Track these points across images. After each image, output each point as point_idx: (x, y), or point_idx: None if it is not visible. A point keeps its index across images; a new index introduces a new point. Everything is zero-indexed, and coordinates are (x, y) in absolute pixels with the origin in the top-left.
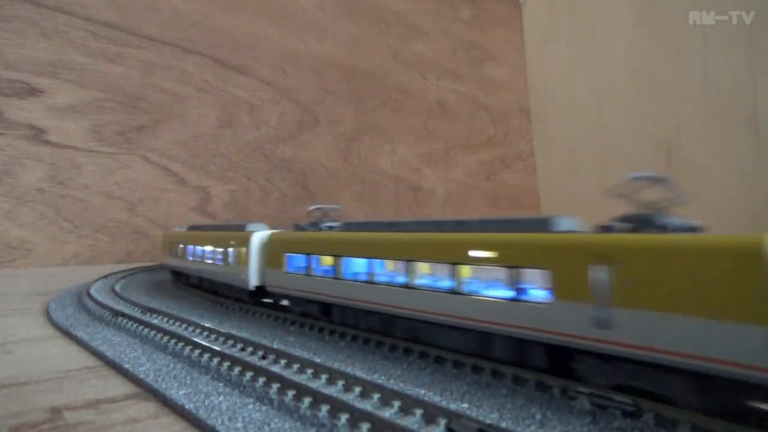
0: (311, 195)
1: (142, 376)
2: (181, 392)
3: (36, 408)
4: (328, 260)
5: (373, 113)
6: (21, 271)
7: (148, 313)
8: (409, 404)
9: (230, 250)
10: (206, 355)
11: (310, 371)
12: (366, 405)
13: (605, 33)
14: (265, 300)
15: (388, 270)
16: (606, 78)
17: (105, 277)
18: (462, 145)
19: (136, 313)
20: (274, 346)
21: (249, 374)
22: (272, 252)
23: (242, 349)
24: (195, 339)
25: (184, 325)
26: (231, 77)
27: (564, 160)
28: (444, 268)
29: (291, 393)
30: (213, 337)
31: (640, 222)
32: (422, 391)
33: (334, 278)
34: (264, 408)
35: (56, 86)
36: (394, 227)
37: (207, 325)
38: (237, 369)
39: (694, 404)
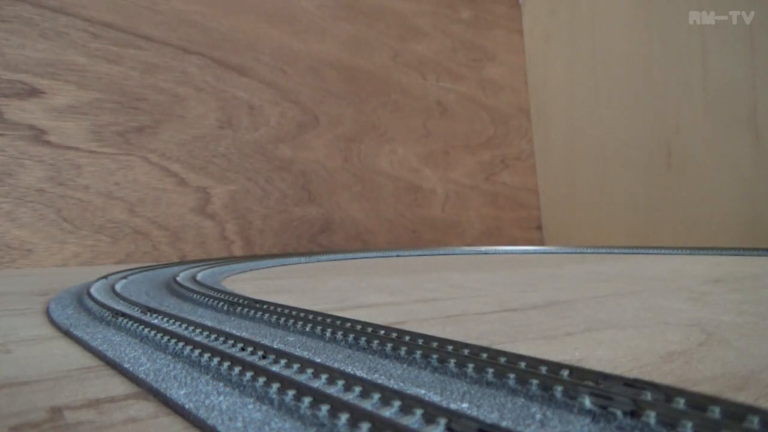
0: (311, 195)
1: (142, 375)
2: (181, 392)
3: (36, 408)
4: None
5: (373, 113)
6: (21, 272)
7: (148, 313)
8: (409, 404)
9: None
10: (206, 355)
11: (310, 371)
12: (366, 405)
13: (605, 33)
14: None
15: None
16: (606, 78)
17: (105, 277)
18: (462, 145)
19: (136, 312)
20: (274, 346)
21: (249, 374)
22: None
23: (242, 349)
24: (195, 339)
25: (184, 325)
26: (231, 78)
27: (564, 160)
28: None
29: (291, 393)
30: (213, 336)
31: None
32: (422, 391)
33: None
34: (264, 408)
35: (56, 87)
36: None
37: (207, 325)
38: (237, 369)
39: None
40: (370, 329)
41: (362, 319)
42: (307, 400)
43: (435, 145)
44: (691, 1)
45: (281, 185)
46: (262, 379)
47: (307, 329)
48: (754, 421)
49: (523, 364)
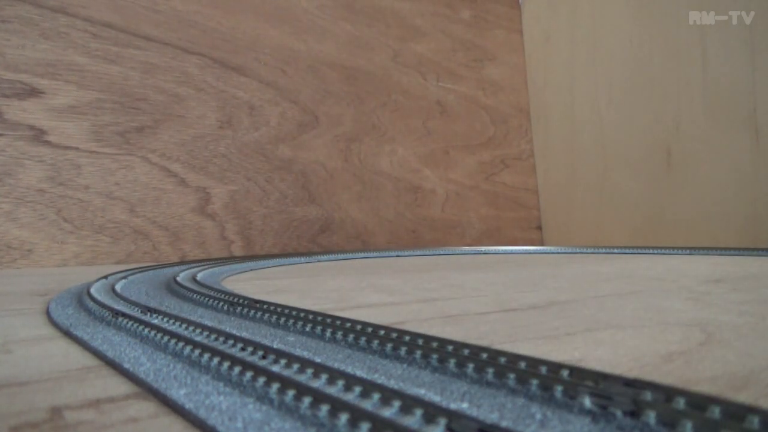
0: (311, 195)
1: (142, 375)
2: (181, 392)
3: (36, 408)
4: None
5: (373, 113)
6: (21, 272)
7: (148, 313)
8: (409, 404)
9: None
10: (206, 355)
11: (310, 371)
12: (366, 405)
13: (605, 33)
14: None
15: None
16: (606, 78)
17: (105, 277)
18: (462, 145)
19: (136, 313)
20: (274, 346)
21: (249, 374)
22: None
23: (242, 349)
24: (195, 339)
25: (184, 325)
26: (231, 78)
27: (564, 160)
28: None
29: (291, 393)
30: (213, 336)
31: None
32: (422, 391)
33: None
34: (264, 408)
35: (56, 87)
36: None
37: (207, 325)
38: (237, 369)
39: None
40: (370, 329)
41: (362, 319)
42: (307, 400)
43: (435, 145)
44: (691, 1)
45: (281, 185)
46: (262, 379)
47: (307, 329)
48: (754, 421)
49: (523, 364)
